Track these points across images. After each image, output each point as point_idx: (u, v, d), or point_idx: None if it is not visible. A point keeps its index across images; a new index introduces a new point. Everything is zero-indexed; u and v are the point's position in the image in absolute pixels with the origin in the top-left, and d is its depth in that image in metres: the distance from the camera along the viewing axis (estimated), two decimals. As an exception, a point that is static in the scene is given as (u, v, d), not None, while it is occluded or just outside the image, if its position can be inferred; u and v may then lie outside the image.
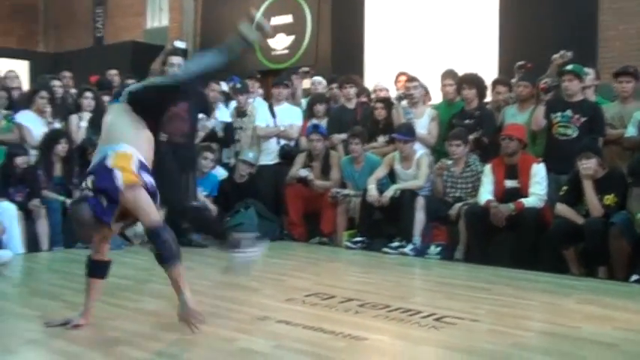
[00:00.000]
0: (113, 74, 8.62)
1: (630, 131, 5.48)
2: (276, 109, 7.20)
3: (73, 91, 7.47)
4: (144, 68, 7.21)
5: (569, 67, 5.79)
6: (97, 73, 8.78)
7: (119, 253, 5.76)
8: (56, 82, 7.11)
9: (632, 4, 7.82)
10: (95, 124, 6.79)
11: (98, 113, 6.90)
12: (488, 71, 7.85)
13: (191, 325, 3.21)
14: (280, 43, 10.92)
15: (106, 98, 7.31)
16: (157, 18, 13.12)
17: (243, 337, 3.18)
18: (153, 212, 3.28)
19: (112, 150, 3.20)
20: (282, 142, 7.14)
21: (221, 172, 6.97)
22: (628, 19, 7.83)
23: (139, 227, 6.08)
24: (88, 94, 6.88)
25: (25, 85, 8.58)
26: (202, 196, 6.58)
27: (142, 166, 3.26)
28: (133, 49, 11.51)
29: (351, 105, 7.20)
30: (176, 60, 6.12)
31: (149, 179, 3.28)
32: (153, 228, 3.23)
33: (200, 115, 6.41)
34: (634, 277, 4.67)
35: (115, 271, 4.87)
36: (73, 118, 6.79)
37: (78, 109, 6.88)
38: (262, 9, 11.19)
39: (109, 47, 12.66)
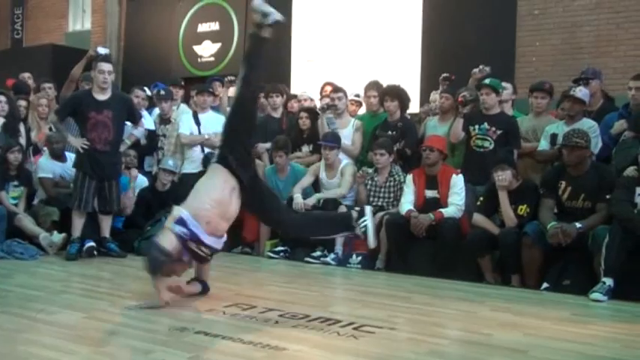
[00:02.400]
0: (27, 77, 8.35)
1: (543, 144, 5.70)
2: (200, 116, 7.12)
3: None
4: (65, 72, 6.99)
5: (487, 81, 5.97)
6: (14, 76, 8.49)
7: (33, 264, 5.61)
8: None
9: (548, 21, 8.19)
10: (9, 129, 6.55)
11: (12, 118, 6.67)
12: (411, 83, 8.05)
13: None
14: (206, 50, 10.85)
15: (22, 103, 7.08)
16: (80, 21, 12.80)
17: (159, 349, 3.11)
18: None
19: None
20: (207, 150, 7.07)
21: (142, 180, 6.84)
22: (544, 36, 8.19)
23: (55, 237, 5.95)
24: (2, 97, 6.62)
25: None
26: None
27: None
28: (53, 53, 11.19)
29: (277, 114, 7.21)
30: (107, 67, 5.99)
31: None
32: None
33: (127, 123, 6.30)
34: (544, 285, 4.86)
35: (28, 281, 4.76)
36: (-16, 122, 6.53)
37: (-11, 113, 6.60)
38: (189, 15, 11.11)
39: (27, 50, 12.27)
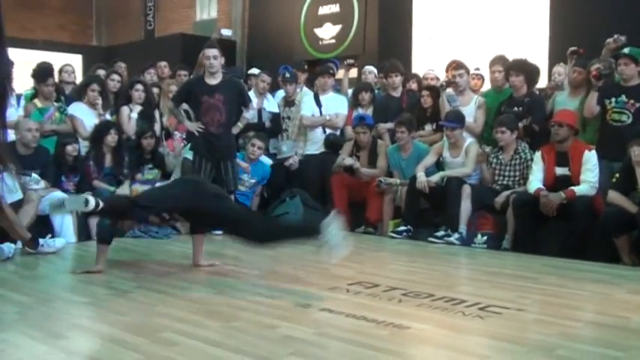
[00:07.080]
0: (163, 65, 8.76)
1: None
2: (321, 98, 7.19)
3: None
4: (194, 60, 7.27)
5: (625, 50, 5.59)
6: (149, 65, 8.91)
7: (167, 242, 5.91)
8: (115, 77, 7.25)
9: (690, -16, 7.54)
10: (145, 116, 6.93)
11: (148, 105, 7.05)
12: (539, 57, 7.69)
13: None
14: (327, 32, 10.90)
15: (154, 90, 7.44)
16: (207, 10, 13.26)
17: (285, 325, 3.18)
18: None
19: None
20: (328, 131, 7.14)
21: (266, 161, 7.02)
22: (686, 0, 7.54)
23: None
24: (139, 86, 7.00)
25: (79, 79, 8.77)
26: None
27: None
28: (182, 41, 11.66)
29: (397, 93, 7.14)
30: (212, 52, 6.13)
31: None
32: None
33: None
34: (688, 267, 4.52)
35: (162, 258, 5.01)
36: (124, 109, 6.92)
37: (128, 100, 6.98)
38: (307, -1, 11.20)
39: (159, 40, 12.88)
